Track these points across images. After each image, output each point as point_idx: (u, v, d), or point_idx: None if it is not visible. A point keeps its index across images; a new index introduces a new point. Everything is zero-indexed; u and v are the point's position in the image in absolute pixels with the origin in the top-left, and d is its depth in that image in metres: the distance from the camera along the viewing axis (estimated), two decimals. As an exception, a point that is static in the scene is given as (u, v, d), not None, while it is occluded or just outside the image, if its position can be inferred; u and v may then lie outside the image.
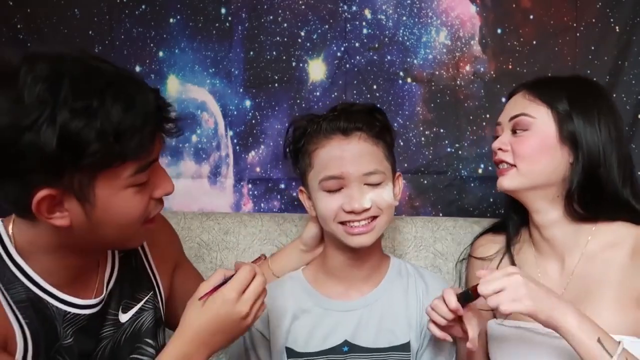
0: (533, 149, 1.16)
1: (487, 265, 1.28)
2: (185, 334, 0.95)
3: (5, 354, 0.84)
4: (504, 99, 1.63)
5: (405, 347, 1.19)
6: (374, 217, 1.16)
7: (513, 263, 1.25)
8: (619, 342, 0.99)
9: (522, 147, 1.16)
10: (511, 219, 1.30)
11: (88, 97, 0.79)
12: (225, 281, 0.97)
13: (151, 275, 1.10)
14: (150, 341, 1.05)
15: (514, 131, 1.19)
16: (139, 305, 1.05)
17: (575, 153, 1.15)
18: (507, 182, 1.18)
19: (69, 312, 0.93)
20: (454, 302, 1.02)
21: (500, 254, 1.29)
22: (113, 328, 1.01)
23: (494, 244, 1.32)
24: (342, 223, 1.15)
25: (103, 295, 0.99)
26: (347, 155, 1.14)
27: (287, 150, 1.24)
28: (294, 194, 1.77)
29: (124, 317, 1.03)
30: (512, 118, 1.19)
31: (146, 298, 1.07)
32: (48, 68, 0.80)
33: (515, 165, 1.17)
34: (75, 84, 0.80)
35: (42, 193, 0.81)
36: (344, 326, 1.20)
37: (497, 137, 1.23)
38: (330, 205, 1.15)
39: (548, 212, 1.19)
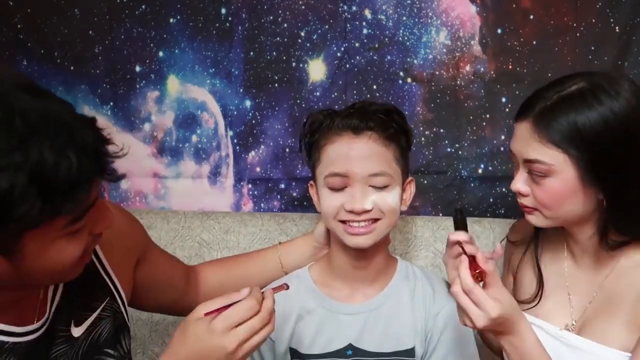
0: (555, 197, 1.05)
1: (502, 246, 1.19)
2: (174, 354, 0.90)
3: None
4: (504, 99, 1.64)
5: (410, 353, 1.18)
6: (375, 220, 1.15)
7: (537, 258, 1.21)
8: None
9: (542, 195, 1.06)
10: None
11: (9, 150, 0.69)
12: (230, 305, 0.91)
13: (107, 279, 1.01)
14: (110, 351, 0.98)
15: (530, 172, 1.08)
16: (94, 315, 0.97)
17: (603, 191, 1.04)
18: (535, 221, 1.12)
19: (7, 342, 0.84)
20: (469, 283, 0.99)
21: (525, 245, 1.25)
22: (65, 345, 0.93)
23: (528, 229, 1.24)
24: (342, 222, 1.15)
25: (46, 316, 0.91)
26: (354, 153, 1.13)
27: (302, 142, 1.23)
28: (294, 194, 1.77)
29: (77, 331, 0.95)
30: (526, 161, 1.07)
31: (102, 305, 0.99)
32: None
33: (538, 210, 1.09)
34: None
35: None
36: (348, 329, 1.19)
37: (515, 168, 1.13)
38: (332, 202, 1.15)
39: (582, 233, 1.12)
